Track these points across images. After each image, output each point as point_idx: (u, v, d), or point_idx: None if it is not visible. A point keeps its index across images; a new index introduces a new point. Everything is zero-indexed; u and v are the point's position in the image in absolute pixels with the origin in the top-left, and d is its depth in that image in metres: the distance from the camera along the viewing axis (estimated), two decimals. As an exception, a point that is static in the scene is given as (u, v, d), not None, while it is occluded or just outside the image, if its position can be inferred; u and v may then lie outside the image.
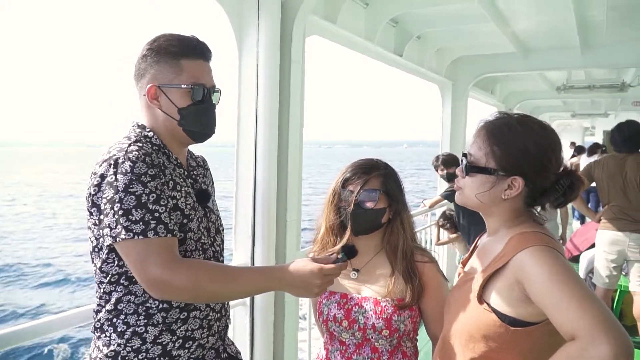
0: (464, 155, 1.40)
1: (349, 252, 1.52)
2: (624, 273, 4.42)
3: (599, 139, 15.23)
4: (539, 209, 1.42)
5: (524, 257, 1.24)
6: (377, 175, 1.74)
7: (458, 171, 1.41)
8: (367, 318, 1.69)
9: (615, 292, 4.78)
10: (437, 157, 4.80)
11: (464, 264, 1.56)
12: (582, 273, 5.31)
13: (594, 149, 11.25)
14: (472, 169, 1.35)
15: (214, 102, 1.55)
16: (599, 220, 4.36)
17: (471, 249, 1.59)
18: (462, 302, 1.40)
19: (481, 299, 1.32)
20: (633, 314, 4.25)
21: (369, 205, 1.71)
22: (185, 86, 1.47)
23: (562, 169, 1.35)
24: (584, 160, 11.18)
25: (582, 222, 8.54)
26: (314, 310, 1.99)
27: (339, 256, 1.50)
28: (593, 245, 4.71)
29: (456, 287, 1.52)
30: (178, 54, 1.48)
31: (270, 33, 2.43)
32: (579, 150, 12.33)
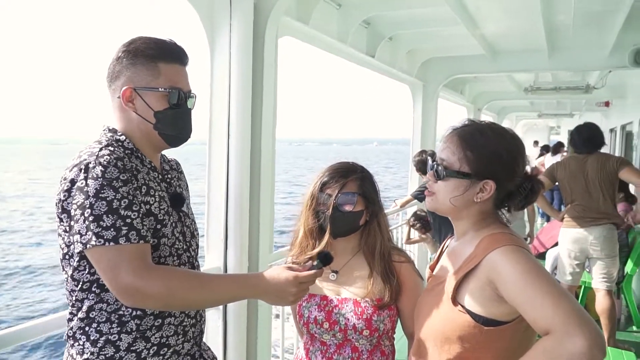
0: (434, 160, 1.42)
1: (325, 259, 1.52)
2: (587, 270, 4.55)
3: (564, 138, 15.64)
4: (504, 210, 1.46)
5: (496, 257, 1.27)
6: (354, 179, 1.76)
7: (429, 176, 1.43)
8: (348, 319, 1.72)
9: (579, 288, 4.92)
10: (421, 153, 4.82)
11: (432, 268, 1.59)
12: (548, 270, 5.44)
13: (557, 147, 11.55)
14: (447, 173, 1.37)
15: (189, 106, 1.53)
16: (562, 219, 4.49)
17: (438, 253, 1.62)
18: (435, 305, 1.42)
19: (455, 300, 1.35)
20: (596, 310, 4.39)
21: (348, 208, 1.73)
22: (162, 89, 1.45)
23: (524, 174, 1.41)
24: (548, 159, 11.46)
25: (548, 220, 8.74)
26: (293, 313, 2.00)
27: (315, 263, 1.50)
28: (558, 243, 4.83)
29: (426, 291, 1.54)
30: (155, 57, 1.45)
31: (243, 34, 2.41)
32: (545, 149, 12.64)
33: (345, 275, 1.80)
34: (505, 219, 1.44)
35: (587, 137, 4.27)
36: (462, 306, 1.33)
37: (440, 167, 1.39)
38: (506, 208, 1.44)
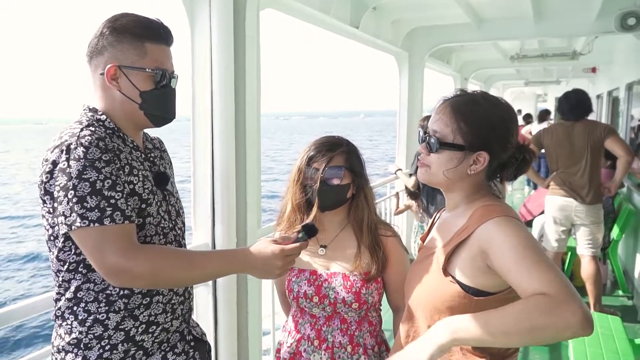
0: (426, 132, 1.41)
1: (309, 231, 1.52)
2: (573, 236, 4.61)
3: (551, 105, 15.68)
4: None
5: (490, 227, 1.27)
6: (340, 152, 1.77)
7: (422, 148, 1.42)
8: (337, 293, 1.75)
9: (565, 254, 4.99)
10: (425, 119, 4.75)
11: (423, 239, 1.60)
12: (535, 237, 5.51)
13: (543, 115, 11.57)
14: (441, 145, 1.36)
15: (173, 87, 1.52)
16: (547, 186, 4.53)
17: (429, 224, 1.62)
18: (425, 276, 1.43)
19: (446, 271, 1.36)
20: (581, 275, 4.47)
21: (335, 182, 1.75)
22: (149, 70, 1.43)
23: (516, 144, 1.39)
24: (535, 127, 11.50)
25: (535, 188, 8.81)
26: (277, 288, 2.02)
27: (300, 235, 1.50)
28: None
29: (417, 262, 1.55)
30: (142, 36, 1.43)
31: (223, 8, 2.36)
32: (527, 117, 12.63)
33: (334, 249, 1.83)
34: (498, 190, 1.44)
35: (574, 104, 4.27)
36: (453, 277, 1.34)
37: (433, 140, 1.37)
38: (498, 179, 1.44)
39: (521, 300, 1.15)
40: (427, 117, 4.90)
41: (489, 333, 1.15)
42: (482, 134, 1.34)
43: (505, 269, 1.21)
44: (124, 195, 1.33)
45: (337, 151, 1.77)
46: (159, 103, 1.48)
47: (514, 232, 1.24)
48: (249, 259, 1.44)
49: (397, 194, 5.12)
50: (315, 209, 1.76)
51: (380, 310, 1.88)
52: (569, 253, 5.06)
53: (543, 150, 4.52)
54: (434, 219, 1.62)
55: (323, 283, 1.78)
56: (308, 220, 1.72)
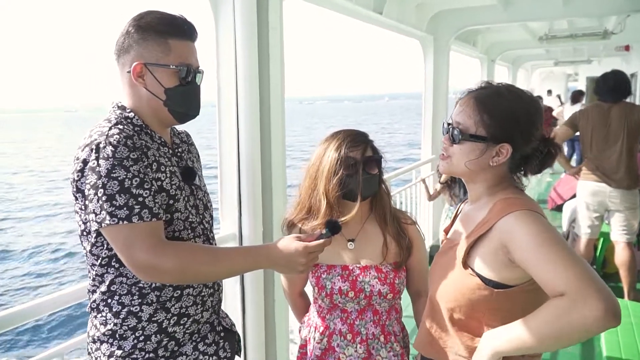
0: (449, 124, 1.40)
1: (333, 228, 1.52)
2: (606, 222, 4.51)
3: (582, 85, 15.27)
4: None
5: (510, 220, 1.27)
6: (369, 144, 1.81)
7: (444, 140, 1.42)
8: (373, 286, 1.77)
9: (598, 240, 4.89)
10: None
11: (447, 231, 1.59)
12: (565, 223, 5.41)
13: (576, 96, 11.28)
14: (463, 137, 1.36)
15: (198, 82, 1.54)
16: (574, 174, 4.43)
17: (453, 216, 1.62)
18: (447, 268, 1.44)
19: (466, 264, 1.36)
20: (615, 262, 4.38)
21: (373, 171, 1.78)
22: (173, 66, 1.45)
23: (541, 137, 1.38)
24: (567, 109, 11.23)
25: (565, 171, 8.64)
26: (291, 286, 2.01)
27: (323, 232, 1.50)
28: (576, 194, 4.78)
29: (440, 254, 1.55)
30: (166, 32, 1.45)
31: (246, 0, 2.36)
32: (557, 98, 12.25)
33: (362, 242, 1.84)
34: (521, 183, 1.43)
35: (613, 86, 4.13)
36: (473, 270, 1.34)
37: (455, 131, 1.37)
38: (522, 172, 1.42)
39: (544, 306, 1.18)
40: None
41: (525, 343, 1.20)
42: (505, 126, 1.33)
43: (526, 263, 1.22)
44: (152, 193, 1.36)
45: (368, 143, 1.80)
46: (183, 99, 1.50)
47: (535, 226, 1.23)
48: (273, 255, 1.47)
49: (423, 180, 5.07)
50: (359, 199, 1.74)
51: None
52: (602, 239, 4.95)
53: (577, 133, 4.40)
54: (457, 211, 1.62)
55: (357, 277, 1.78)
56: (332, 217, 1.72)
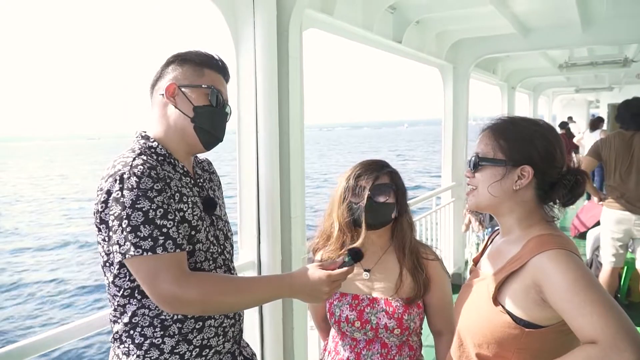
0: (471, 156, 1.43)
1: (355, 255, 1.52)
2: (630, 250, 4.42)
3: (603, 112, 15.11)
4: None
5: (544, 260, 1.24)
6: (386, 172, 1.81)
7: (467, 173, 1.44)
8: (380, 318, 1.74)
9: (622, 269, 4.78)
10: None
11: (476, 261, 1.57)
12: (588, 251, 5.30)
13: (596, 123, 11.15)
14: (481, 160, 1.38)
15: (226, 111, 1.59)
16: (599, 201, 4.36)
17: (483, 247, 1.60)
18: (475, 302, 1.41)
19: (496, 300, 1.33)
20: (640, 291, 4.28)
21: (382, 199, 1.77)
22: (204, 86, 1.51)
23: (566, 166, 1.37)
24: (587, 136, 11.11)
25: (589, 198, 8.51)
26: (311, 310, 2.04)
27: (346, 260, 1.50)
28: (599, 222, 4.70)
29: (468, 285, 1.52)
30: (203, 63, 1.53)
31: (267, 30, 2.41)
32: (563, 125, 11.98)
33: (377, 273, 1.82)
34: (554, 217, 1.41)
35: (635, 112, 4.10)
36: (503, 307, 1.32)
37: (474, 159, 1.40)
38: (553, 204, 1.41)
39: (575, 352, 1.15)
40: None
41: None
42: (521, 147, 1.35)
43: (560, 306, 1.19)
44: (176, 224, 1.37)
45: (384, 171, 1.81)
46: (211, 119, 1.53)
47: (571, 268, 1.20)
48: (296, 284, 1.47)
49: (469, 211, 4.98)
50: (363, 227, 1.76)
51: (421, 334, 1.86)
52: (626, 267, 4.85)
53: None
54: (487, 241, 1.60)
55: (365, 308, 1.77)
56: (354, 245, 1.72)
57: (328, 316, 1.85)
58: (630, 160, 4.07)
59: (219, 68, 1.57)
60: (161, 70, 1.54)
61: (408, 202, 1.89)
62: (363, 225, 1.76)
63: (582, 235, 6.57)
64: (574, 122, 14.36)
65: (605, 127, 11.56)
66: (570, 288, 1.17)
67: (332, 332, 1.89)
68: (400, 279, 1.78)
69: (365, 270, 1.82)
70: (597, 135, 9.96)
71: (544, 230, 1.34)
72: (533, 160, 1.33)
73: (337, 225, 1.82)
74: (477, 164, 1.38)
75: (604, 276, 4.37)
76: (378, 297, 1.77)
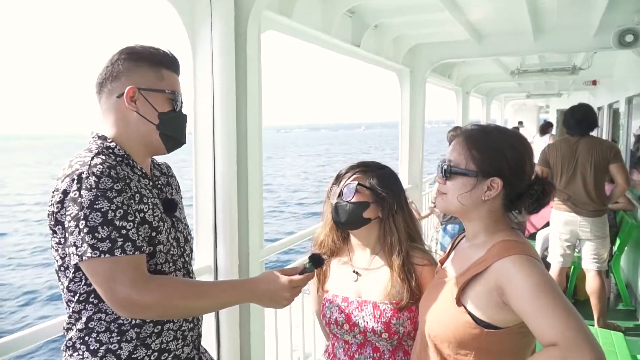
0: (443, 162, 1.45)
1: (316, 261, 1.53)
2: (577, 251, 4.60)
3: (553, 117, 15.68)
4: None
5: (508, 264, 1.28)
6: (363, 172, 1.80)
7: (438, 179, 1.47)
8: (367, 322, 1.73)
9: (569, 269, 4.97)
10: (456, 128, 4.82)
11: (442, 262, 1.61)
12: (538, 251, 5.50)
13: (545, 128, 11.55)
14: (453, 171, 1.40)
15: (184, 112, 1.57)
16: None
17: (448, 249, 1.63)
18: (439, 303, 1.45)
19: (459, 301, 1.37)
20: (586, 290, 4.45)
21: (348, 197, 1.75)
22: (168, 92, 1.47)
23: (534, 175, 1.42)
24: (537, 140, 11.48)
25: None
26: (317, 311, 2.00)
27: (307, 266, 1.51)
28: (548, 224, 4.88)
29: (432, 286, 1.56)
30: (160, 63, 1.49)
31: (224, 32, 2.38)
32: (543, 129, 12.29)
33: (367, 275, 1.80)
34: (518, 225, 1.45)
35: (580, 119, 4.29)
36: (465, 308, 1.35)
37: (446, 167, 1.42)
38: (517, 211, 1.45)
39: (537, 355, 1.20)
40: (457, 127, 4.89)
41: None
42: (493, 159, 1.38)
43: (521, 309, 1.23)
44: (135, 225, 1.33)
45: (359, 170, 1.80)
46: (175, 125, 1.51)
47: (533, 273, 1.25)
48: (257, 289, 1.46)
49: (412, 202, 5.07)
50: (329, 223, 1.83)
51: None
52: (572, 267, 5.04)
53: None
54: (453, 244, 1.63)
55: (353, 311, 1.76)
56: (315, 251, 1.73)
57: (321, 317, 1.85)
58: (575, 165, 4.26)
59: (175, 67, 1.54)
60: (112, 68, 1.46)
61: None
62: (330, 222, 1.83)
63: (532, 236, 6.78)
64: (524, 127, 14.83)
65: (554, 131, 11.97)
66: (532, 292, 1.21)
67: (331, 335, 1.89)
68: (389, 282, 1.74)
69: (355, 272, 1.82)
70: (547, 140, 10.31)
71: (509, 237, 1.38)
72: (503, 173, 1.37)
73: (323, 225, 1.89)
74: (449, 172, 1.41)
75: (552, 275, 4.53)
76: (367, 300, 1.76)
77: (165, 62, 1.50)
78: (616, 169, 4.21)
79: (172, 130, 1.51)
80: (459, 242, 1.60)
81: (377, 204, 1.77)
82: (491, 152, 1.39)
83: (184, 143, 1.59)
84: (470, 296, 1.35)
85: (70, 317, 1.42)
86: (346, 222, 1.77)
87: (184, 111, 1.57)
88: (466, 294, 1.36)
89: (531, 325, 1.21)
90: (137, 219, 1.36)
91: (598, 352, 1.11)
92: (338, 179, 1.82)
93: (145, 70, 1.46)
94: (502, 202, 1.41)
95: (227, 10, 2.39)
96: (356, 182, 1.76)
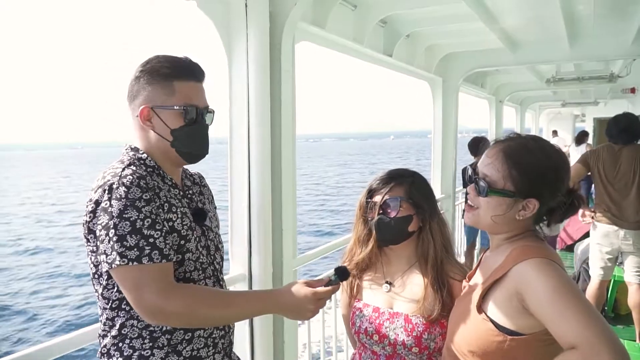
0: (476, 174, 1.40)
1: (342, 274, 1.53)
2: (618, 263, 4.46)
3: (589, 126, 15.32)
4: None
5: (525, 268, 1.26)
6: (400, 184, 1.74)
7: (470, 189, 1.42)
8: (397, 334, 1.69)
9: (609, 281, 4.83)
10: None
11: (470, 277, 1.58)
12: (576, 263, 5.35)
13: (581, 137, 11.30)
14: (491, 191, 1.35)
15: (207, 122, 1.55)
16: (582, 216, 4.40)
17: (476, 264, 1.61)
18: (463, 313, 1.43)
19: (480, 308, 1.35)
20: (627, 303, 4.31)
21: (392, 214, 1.70)
22: (177, 107, 1.47)
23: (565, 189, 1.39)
24: (572, 150, 11.24)
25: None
26: (344, 321, 1.98)
27: (332, 278, 1.51)
28: (586, 235, 4.74)
29: (459, 299, 1.54)
30: (170, 75, 1.48)
31: (259, 43, 2.42)
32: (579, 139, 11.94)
33: (400, 286, 1.77)
34: (543, 234, 1.42)
35: (624, 127, 4.17)
36: (486, 315, 1.33)
37: (482, 183, 1.36)
38: (545, 222, 1.43)
39: (556, 359, 1.16)
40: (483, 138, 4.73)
41: None
42: (534, 182, 1.33)
43: (541, 313, 1.21)
44: (163, 234, 1.36)
45: (395, 182, 1.74)
46: (189, 140, 1.50)
47: (551, 276, 1.22)
48: (282, 301, 1.47)
49: None
50: (371, 242, 1.74)
51: None
52: (612, 280, 4.89)
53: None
54: (480, 258, 1.61)
55: (384, 322, 1.73)
56: (341, 263, 1.72)
57: (350, 325, 1.83)
58: (617, 173, 4.12)
59: (189, 74, 1.51)
60: (132, 87, 1.50)
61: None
62: (372, 240, 1.74)
63: (570, 248, 6.62)
64: (558, 136, 14.53)
65: (590, 141, 11.70)
66: (551, 295, 1.19)
67: (358, 344, 1.87)
68: (423, 294, 1.70)
69: (387, 283, 1.78)
70: (583, 149, 10.09)
71: (528, 242, 1.36)
72: (541, 194, 1.34)
73: (353, 238, 1.83)
74: (485, 191, 1.36)
75: (591, 289, 4.40)
76: (399, 312, 1.73)
77: (177, 73, 1.48)
78: None
79: (187, 146, 1.50)
80: (484, 254, 1.58)
81: (417, 215, 1.74)
82: (532, 175, 1.33)
83: (205, 154, 1.57)
84: (491, 303, 1.33)
85: (104, 324, 1.45)
86: (392, 239, 1.73)
87: (208, 120, 1.55)
88: (487, 301, 1.34)
89: (552, 329, 1.18)
90: (165, 228, 1.39)
91: (620, 353, 1.08)
92: (371, 192, 1.76)
93: (156, 87, 1.47)
94: (532, 217, 1.39)
95: (263, 21, 2.42)
96: (399, 197, 1.71)
